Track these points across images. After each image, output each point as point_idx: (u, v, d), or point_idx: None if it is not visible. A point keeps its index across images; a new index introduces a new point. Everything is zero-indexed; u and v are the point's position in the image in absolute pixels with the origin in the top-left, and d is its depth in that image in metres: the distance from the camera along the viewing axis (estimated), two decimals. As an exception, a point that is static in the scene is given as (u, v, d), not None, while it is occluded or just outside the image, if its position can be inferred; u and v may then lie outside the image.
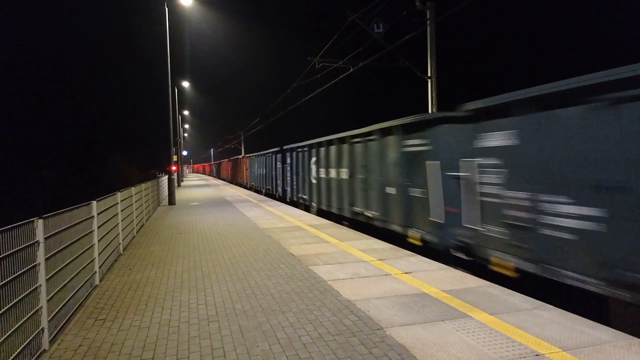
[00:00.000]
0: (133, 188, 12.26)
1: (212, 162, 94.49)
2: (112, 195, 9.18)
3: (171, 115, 22.37)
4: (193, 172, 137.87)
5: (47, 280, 4.83)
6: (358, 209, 12.81)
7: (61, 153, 50.90)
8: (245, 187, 37.40)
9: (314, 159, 17.38)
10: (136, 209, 12.49)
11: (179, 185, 37.14)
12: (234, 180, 47.47)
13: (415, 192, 9.52)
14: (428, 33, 14.64)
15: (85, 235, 6.66)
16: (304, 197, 19.00)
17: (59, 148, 51.40)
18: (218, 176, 70.14)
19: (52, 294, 4.95)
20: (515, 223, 6.53)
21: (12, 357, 3.85)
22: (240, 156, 42.75)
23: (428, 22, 14.31)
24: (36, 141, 48.68)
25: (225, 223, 13.87)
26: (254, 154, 34.03)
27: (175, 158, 24.08)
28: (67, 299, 5.47)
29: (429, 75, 14.84)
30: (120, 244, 9.53)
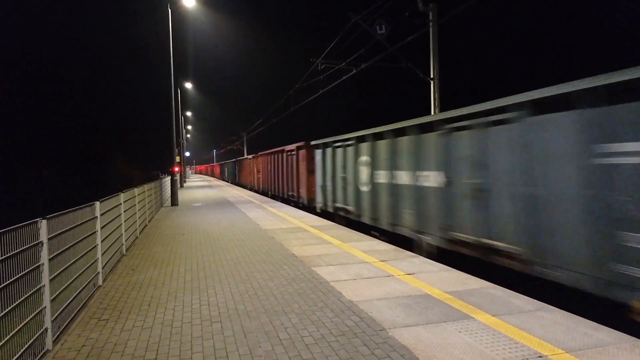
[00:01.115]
0: (136, 189, 12.28)
1: (224, 162, 72.29)
2: (115, 196, 9.20)
3: (174, 117, 22.42)
4: (196, 173, 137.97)
5: (51, 280, 4.85)
6: None
7: (61, 153, 50.78)
8: (314, 212, 17.45)
9: None
10: (139, 210, 12.51)
11: (181, 187, 37.22)
12: (269, 189, 28.84)
13: None
14: (430, 34, 14.65)
15: (89, 235, 6.68)
16: None
17: (59, 148, 51.26)
18: (233, 181, 52.40)
19: (55, 294, 4.96)
20: None
21: (15, 357, 3.86)
22: (291, 147, 22.43)
23: (430, 23, 14.32)
24: (36, 141, 48.56)
25: (228, 224, 13.89)
26: (343, 139, 14.35)
27: (177, 159, 24.11)
28: (71, 299, 5.49)
29: (432, 76, 14.85)
30: (123, 244, 9.55)
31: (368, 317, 5.23)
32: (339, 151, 14.74)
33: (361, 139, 12.92)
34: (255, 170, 35.66)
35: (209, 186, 42.91)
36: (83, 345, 4.71)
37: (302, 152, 20.26)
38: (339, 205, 14.88)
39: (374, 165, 11.99)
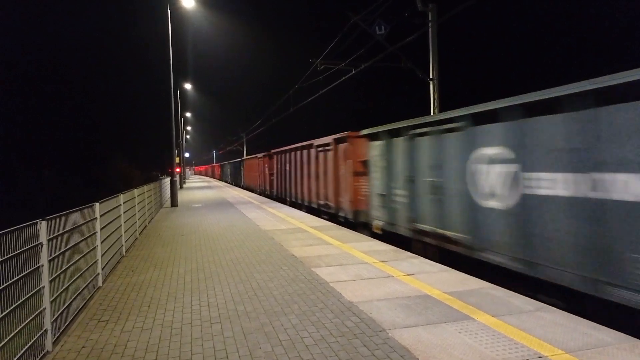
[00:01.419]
0: (135, 190, 12.28)
1: (226, 162, 65.69)
2: (115, 197, 9.20)
3: (174, 117, 22.42)
4: (195, 174, 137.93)
5: (51, 281, 4.85)
6: None
7: (61, 153, 50.76)
8: (365, 230, 12.58)
9: None
10: (139, 211, 12.51)
11: (181, 188, 37.21)
12: (287, 195, 23.51)
13: None
14: (430, 34, 14.65)
15: (88, 237, 6.68)
16: None
17: (59, 148, 51.25)
18: (237, 184, 46.81)
19: (55, 296, 4.96)
20: None
21: (15, 358, 3.86)
22: (323, 141, 16.77)
23: (430, 23, 14.33)
24: (36, 141, 48.55)
25: (228, 225, 13.89)
26: (437, 120, 9.22)
27: (177, 160, 24.10)
28: (70, 300, 5.49)
29: (431, 76, 14.85)
30: (122, 245, 9.55)
31: (368, 318, 5.23)
32: (425, 141, 9.56)
33: (483, 118, 7.66)
34: (267, 172, 29.48)
35: (209, 187, 42.92)
36: (83, 347, 4.71)
37: (344, 146, 14.58)
38: (424, 227, 9.54)
39: (524, 164, 6.76)
